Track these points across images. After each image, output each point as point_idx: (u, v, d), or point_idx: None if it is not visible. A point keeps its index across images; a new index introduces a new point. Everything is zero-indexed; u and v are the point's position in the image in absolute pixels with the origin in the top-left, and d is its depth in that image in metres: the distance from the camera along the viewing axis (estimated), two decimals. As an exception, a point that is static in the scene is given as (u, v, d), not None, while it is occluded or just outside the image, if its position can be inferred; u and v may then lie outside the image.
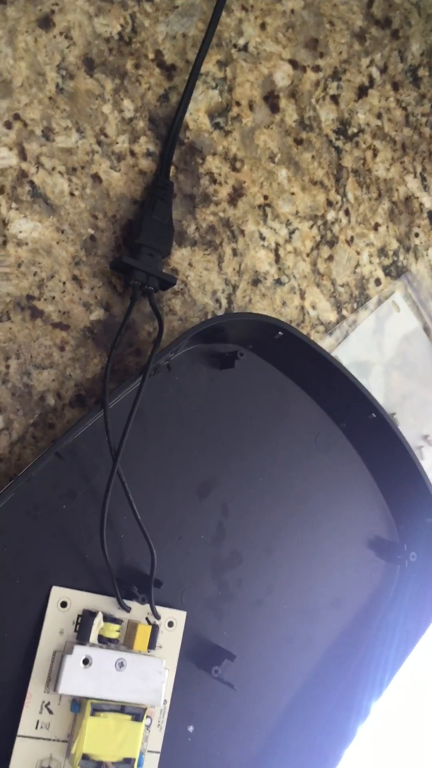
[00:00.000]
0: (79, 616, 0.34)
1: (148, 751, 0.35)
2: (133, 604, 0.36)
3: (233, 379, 0.40)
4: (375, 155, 0.47)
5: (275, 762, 0.39)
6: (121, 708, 0.33)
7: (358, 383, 0.40)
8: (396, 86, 0.48)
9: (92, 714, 0.33)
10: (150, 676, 0.34)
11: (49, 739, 0.33)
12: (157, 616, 0.36)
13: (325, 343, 0.44)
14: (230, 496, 0.40)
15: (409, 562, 0.42)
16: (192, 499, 0.39)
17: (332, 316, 0.45)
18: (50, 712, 0.33)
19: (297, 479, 0.41)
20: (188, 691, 0.37)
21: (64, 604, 0.34)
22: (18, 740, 0.32)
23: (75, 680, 0.33)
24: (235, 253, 0.42)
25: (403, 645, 0.40)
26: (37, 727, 0.33)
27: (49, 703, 0.33)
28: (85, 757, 0.32)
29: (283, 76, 0.44)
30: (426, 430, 0.47)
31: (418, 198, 0.48)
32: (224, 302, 0.41)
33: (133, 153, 0.39)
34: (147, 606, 0.36)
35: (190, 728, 0.37)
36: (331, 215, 0.45)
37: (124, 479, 0.34)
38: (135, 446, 0.37)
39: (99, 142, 0.38)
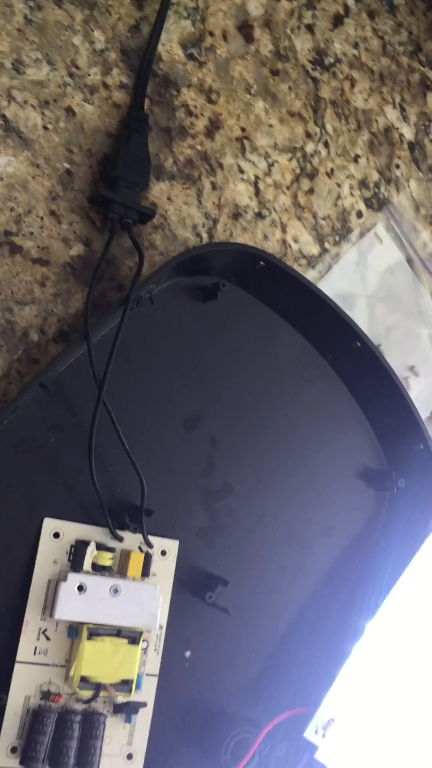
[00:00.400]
0: (72, 546, 0.35)
1: (146, 675, 0.36)
2: (125, 535, 0.36)
3: (217, 312, 0.40)
4: (353, 86, 0.46)
5: (273, 684, 0.39)
6: (117, 632, 0.34)
7: (341, 311, 0.40)
8: (372, 15, 0.47)
9: (89, 638, 0.33)
10: (144, 601, 0.35)
11: (47, 665, 0.34)
12: (150, 545, 0.36)
13: (308, 276, 0.44)
14: (218, 429, 0.40)
15: (398, 489, 0.43)
16: (180, 432, 0.39)
17: (314, 250, 0.45)
18: (47, 638, 0.34)
19: (285, 411, 0.42)
20: (184, 618, 0.38)
21: (56, 535, 0.35)
22: (17, 666, 0.33)
23: (70, 606, 0.33)
24: (214, 186, 0.42)
25: (394, 569, 0.41)
26: (35, 653, 0.33)
27: (45, 630, 0.34)
28: (83, 679, 0.33)
29: (256, 5, 0.43)
30: (411, 360, 0.47)
31: (397, 129, 0.48)
32: (205, 236, 0.41)
33: (106, 85, 0.38)
34: (139, 536, 0.36)
35: (187, 653, 0.38)
36: (310, 147, 0.45)
37: (110, 408, 0.34)
38: (121, 381, 0.37)
39: (71, 75, 0.37)
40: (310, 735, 0.37)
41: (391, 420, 0.43)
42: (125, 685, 0.34)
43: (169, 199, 0.40)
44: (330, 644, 0.40)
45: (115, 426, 0.34)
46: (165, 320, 0.39)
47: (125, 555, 0.35)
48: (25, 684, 0.33)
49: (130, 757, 0.35)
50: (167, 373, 0.39)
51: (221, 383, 0.40)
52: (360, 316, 0.45)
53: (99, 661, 0.33)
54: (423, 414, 0.44)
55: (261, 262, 0.38)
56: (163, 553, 0.37)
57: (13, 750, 0.32)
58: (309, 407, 0.42)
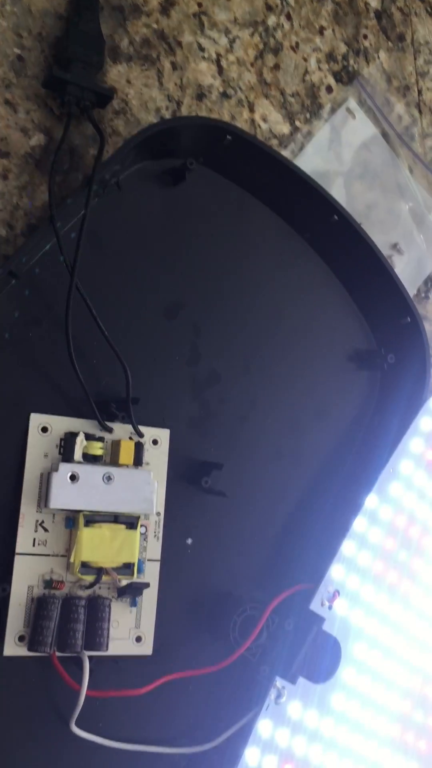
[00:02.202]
0: (61, 439, 0.35)
1: (148, 560, 0.36)
2: (115, 426, 0.36)
3: (188, 195, 0.39)
4: None
5: (277, 564, 0.40)
6: (114, 518, 0.34)
7: (315, 183, 0.39)
8: None
9: (86, 525, 0.33)
10: (139, 486, 0.35)
11: (48, 555, 0.34)
12: (140, 434, 0.36)
13: (281, 157, 0.43)
14: (200, 317, 0.39)
15: (388, 365, 0.42)
16: (161, 322, 0.38)
17: (285, 128, 0.43)
18: (45, 530, 0.34)
19: (266, 295, 0.41)
20: (182, 506, 0.38)
21: (44, 429, 0.34)
22: (17, 558, 0.33)
23: (64, 495, 0.33)
24: (174, 66, 0.40)
25: (389, 443, 0.41)
26: (34, 545, 0.33)
27: (42, 522, 0.34)
28: (84, 565, 0.33)
29: None
30: (394, 238, 0.46)
31: (362, -3, 0.45)
32: (169, 119, 0.40)
33: (49, -38, 0.36)
34: (129, 427, 0.36)
35: (189, 541, 0.38)
36: (272, 20, 0.43)
37: (84, 295, 0.33)
38: (96, 272, 0.36)
39: None
40: (316, 607, 0.38)
41: (376, 295, 0.42)
42: (127, 568, 0.34)
43: (128, 82, 0.39)
44: (331, 519, 0.40)
45: (91, 312, 0.34)
46: (135, 206, 0.37)
47: (116, 444, 0.35)
48: (26, 574, 0.33)
49: (138, 639, 0.35)
50: (142, 261, 0.38)
51: (198, 269, 0.39)
52: (338, 195, 0.44)
53: (98, 546, 0.33)
54: (409, 292, 0.43)
55: (228, 137, 0.37)
56: (155, 442, 0.37)
57: (21, 639, 0.33)
58: (291, 290, 0.42)
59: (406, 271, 0.46)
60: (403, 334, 0.42)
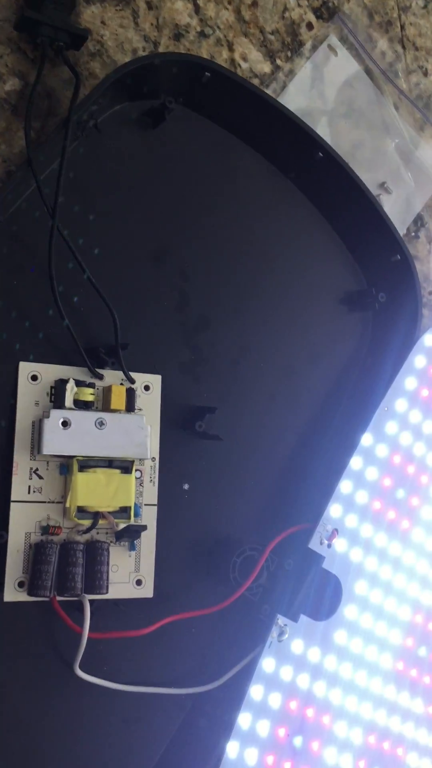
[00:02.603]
0: (51, 387, 0.34)
1: (145, 505, 0.36)
2: (106, 373, 0.35)
3: (169, 137, 0.38)
4: None
5: (275, 505, 0.40)
6: (109, 463, 0.34)
7: (297, 119, 0.38)
8: None
9: (80, 470, 0.33)
10: (132, 431, 0.34)
11: (43, 502, 0.34)
12: (132, 380, 0.36)
13: (263, 97, 0.42)
14: (187, 261, 0.39)
15: (380, 304, 0.42)
16: (147, 267, 0.38)
17: (266, 67, 0.42)
18: (40, 477, 0.34)
19: (253, 238, 0.40)
20: (177, 452, 0.38)
21: (34, 378, 0.34)
22: (13, 505, 0.33)
23: (57, 441, 0.33)
24: (150, 6, 0.39)
25: (384, 383, 0.41)
26: (29, 492, 0.33)
27: (37, 470, 0.34)
28: (80, 509, 0.33)
29: None
30: (381, 177, 0.45)
31: None
32: (147, 61, 0.39)
33: None
34: (120, 373, 0.36)
35: (186, 486, 0.38)
36: None
37: (66, 237, 0.33)
38: (78, 217, 0.36)
39: None
40: (315, 546, 0.38)
41: (365, 234, 0.42)
42: (123, 512, 0.34)
43: (103, 23, 0.38)
44: (328, 459, 0.40)
45: (74, 254, 0.33)
46: (116, 149, 0.37)
47: (107, 390, 0.35)
48: (23, 522, 0.33)
49: (139, 583, 0.35)
50: (126, 205, 0.37)
51: (183, 213, 0.39)
52: (322, 134, 0.43)
53: (93, 490, 0.33)
54: (399, 231, 0.42)
55: (206, 73, 0.36)
56: (147, 388, 0.37)
57: (21, 584, 0.33)
58: (279, 231, 0.41)
59: (395, 210, 0.45)
60: (394, 272, 0.42)
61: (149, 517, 0.36)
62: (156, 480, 0.36)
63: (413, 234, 0.47)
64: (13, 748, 0.33)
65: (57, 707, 0.34)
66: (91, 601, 0.33)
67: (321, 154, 0.39)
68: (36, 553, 0.33)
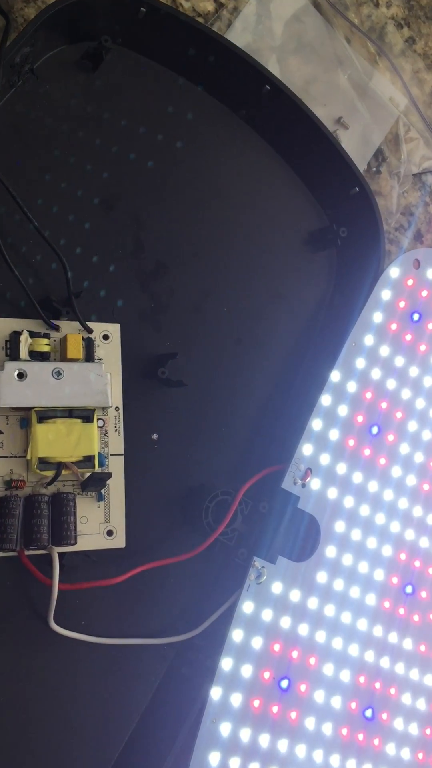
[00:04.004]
0: (6, 341, 0.34)
1: (111, 455, 0.35)
2: (62, 324, 0.35)
3: (109, 79, 0.37)
4: None
5: (247, 450, 0.39)
6: (69, 413, 0.33)
7: (238, 50, 0.37)
8: None
9: (39, 422, 0.33)
10: (91, 380, 0.34)
11: (5, 457, 0.33)
12: (89, 330, 0.35)
13: (209, 36, 0.41)
14: (140, 207, 0.38)
15: (342, 240, 0.41)
16: (98, 214, 0.37)
17: (209, 6, 0.41)
18: (0, 432, 0.33)
19: (207, 180, 0.40)
20: (142, 401, 0.37)
21: (-13, 332, 0.34)
22: (-27, 461, 0.32)
23: (13, 393, 0.32)
24: None
25: (353, 318, 0.40)
26: (-11, 447, 0.33)
27: (-5, 424, 0.33)
28: (42, 461, 0.32)
29: None
30: (337, 112, 0.44)
31: None
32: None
33: None
34: (77, 324, 0.35)
35: (155, 436, 0.37)
36: None
37: (6, 184, 0.32)
38: (22, 166, 0.35)
39: None
40: (288, 486, 0.37)
41: (321, 169, 0.41)
42: (87, 461, 0.33)
43: (34, -34, 0.37)
44: (298, 399, 0.39)
45: (15, 200, 0.32)
46: (56, 95, 0.36)
47: (63, 340, 0.34)
48: (-15, 477, 0.32)
49: (110, 533, 0.35)
50: (70, 151, 0.36)
51: (131, 157, 0.38)
52: (273, 71, 0.42)
53: (54, 441, 0.33)
54: (359, 167, 0.41)
55: (142, 9, 0.35)
56: (106, 337, 0.36)
57: (-13, 541, 0.32)
58: (233, 171, 0.40)
59: (354, 145, 0.44)
60: (354, 206, 0.41)
61: (116, 467, 0.35)
62: (121, 429, 0.36)
63: (374, 169, 0.46)
64: (-6, 706, 0.33)
65: (36, 663, 0.34)
66: (62, 554, 0.33)
67: (268, 87, 0.38)
68: (-1, 507, 0.32)
